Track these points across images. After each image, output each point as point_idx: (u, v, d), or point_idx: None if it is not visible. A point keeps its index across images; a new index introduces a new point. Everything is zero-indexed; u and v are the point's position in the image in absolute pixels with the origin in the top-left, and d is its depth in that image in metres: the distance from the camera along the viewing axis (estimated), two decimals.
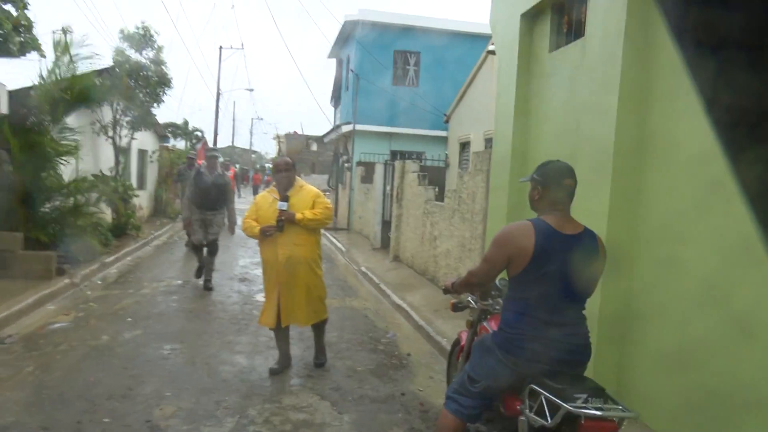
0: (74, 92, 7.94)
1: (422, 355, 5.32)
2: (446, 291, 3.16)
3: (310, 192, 4.54)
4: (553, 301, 2.51)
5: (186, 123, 38.85)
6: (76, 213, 8.14)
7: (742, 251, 2.79)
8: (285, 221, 4.36)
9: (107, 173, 10.95)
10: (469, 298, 3.41)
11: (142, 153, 14.45)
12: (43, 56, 11.39)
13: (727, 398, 2.89)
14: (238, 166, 59.02)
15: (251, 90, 43.77)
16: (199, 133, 37.27)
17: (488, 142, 11.78)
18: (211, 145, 35.09)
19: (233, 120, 62.21)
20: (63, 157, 8.16)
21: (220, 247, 8.02)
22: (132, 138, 11.48)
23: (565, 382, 2.30)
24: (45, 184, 7.74)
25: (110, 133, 11.03)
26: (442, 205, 7.61)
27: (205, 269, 7.64)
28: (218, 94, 33.20)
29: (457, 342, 3.87)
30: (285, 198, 4.41)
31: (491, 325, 3.13)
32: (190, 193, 7.64)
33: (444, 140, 16.01)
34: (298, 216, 4.34)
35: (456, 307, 3.41)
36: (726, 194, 2.86)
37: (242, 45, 39.18)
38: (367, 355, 5.19)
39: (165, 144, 18.81)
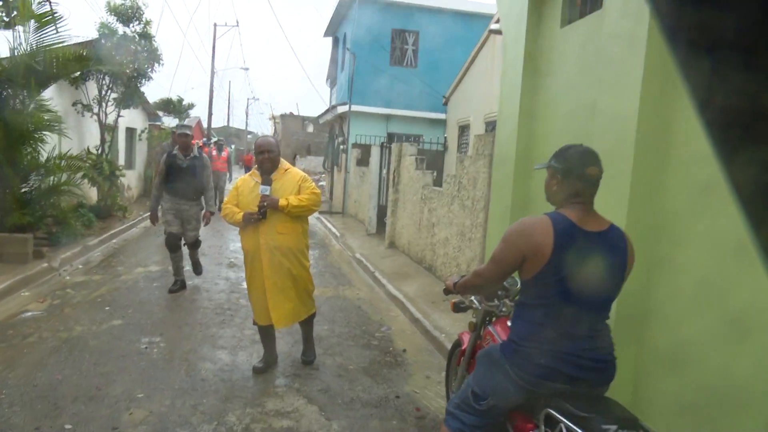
0: (49, 63, 7.45)
1: (419, 351, 4.99)
2: (447, 291, 2.81)
3: (295, 175, 4.15)
4: (573, 309, 2.17)
5: (180, 100, 38.04)
6: (56, 193, 7.73)
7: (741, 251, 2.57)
8: (267, 207, 3.98)
9: (93, 152, 10.53)
10: (473, 298, 3.06)
11: (130, 131, 13.99)
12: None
13: (722, 398, 2.68)
14: (233, 146, 58.27)
15: (246, 69, 42.86)
16: (190, 112, 36.59)
17: (489, 125, 11.39)
18: (205, 126, 34.52)
19: (229, 99, 61.24)
20: (42, 133, 7.73)
21: (207, 229, 7.64)
22: (119, 115, 11.01)
23: (588, 407, 1.96)
24: (21, 162, 7.31)
25: (95, 110, 10.56)
26: (440, 190, 7.25)
27: (190, 258, 6.85)
28: (213, 73, 32.55)
29: (457, 344, 3.54)
30: (268, 181, 4.03)
31: (497, 331, 2.79)
32: (159, 179, 6.36)
33: (442, 123, 15.59)
34: (282, 202, 3.96)
35: (457, 308, 3.07)
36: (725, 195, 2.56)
37: (237, 22, 38.22)
38: (360, 351, 4.87)
39: (156, 123, 18.33)
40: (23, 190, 7.49)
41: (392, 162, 9.62)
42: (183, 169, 6.27)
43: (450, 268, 6.67)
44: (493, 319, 2.98)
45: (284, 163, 4.22)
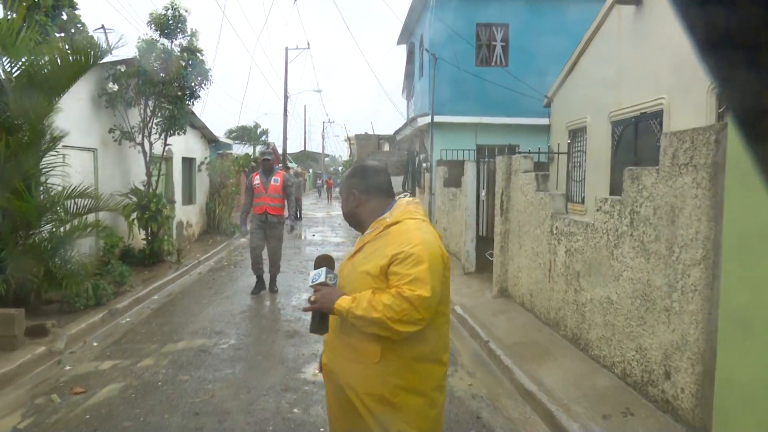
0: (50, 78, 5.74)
1: None
2: None
3: (390, 243, 1.93)
4: None
5: (256, 126, 37.46)
6: (66, 244, 6.01)
7: None
8: (318, 308, 1.96)
9: (139, 187, 8.98)
10: None
11: (188, 161, 12.53)
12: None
13: None
14: (311, 171, 57.76)
15: (319, 91, 42.09)
16: (264, 138, 35.99)
17: (618, 125, 8.74)
18: (280, 151, 33.71)
19: (304, 124, 61.16)
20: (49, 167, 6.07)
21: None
22: (165, 144, 9.43)
23: None
24: (20, 204, 5.60)
25: (138, 139, 9.01)
26: (589, 223, 4.78)
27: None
28: (286, 97, 31.79)
29: None
30: (327, 262, 2.08)
31: None
32: None
33: (544, 129, 12.98)
34: (342, 303, 1.88)
35: None
36: None
37: (308, 44, 37.51)
38: None
39: (227, 151, 17.08)
40: (27, 241, 5.83)
41: (499, 181, 7.23)
42: None
43: (622, 349, 4.16)
44: None
45: (396, 209, 2.06)
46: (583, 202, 10.03)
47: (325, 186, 43.10)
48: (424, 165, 14.45)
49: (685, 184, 3.39)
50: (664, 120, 7.32)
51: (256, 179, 7.51)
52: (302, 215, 20.07)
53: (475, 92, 13.79)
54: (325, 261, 2.07)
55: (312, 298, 1.97)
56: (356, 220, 2.13)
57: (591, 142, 9.79)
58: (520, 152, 11.17)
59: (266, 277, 7.91)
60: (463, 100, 13.87)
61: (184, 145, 11.80)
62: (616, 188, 8.72)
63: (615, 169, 8.93)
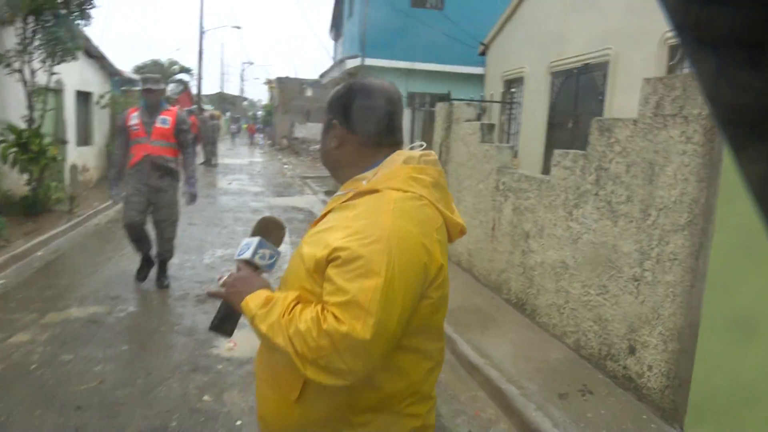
0: None
1: None
2: None
3: (350, 222, 1.15)
4: None
5: (172, 63, 34.47)
6: None
7: None
8: (223, 296, 1.30)
9: (19, 123, 7.58)
10: None
11: (84, 96, 10.93)
12: None
13: None
14: (228, 114, 54.61)
15: (238, 27, 39.24)
16: (185, 76, 33.26)
17: (558, 76, 8.37)
18: (195, 92, 31.24)
19: (221, 63, 57.43)
20: None
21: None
22: (52, 72, 7.98)
23: None
24: None
25: (16, 65, 7.54)
26: (545, 180, 4.31)
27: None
28: (201, 33, 29.33)
29: None
30: (269, 238, 1.39)
31: None
32: None
33: (477, 79, 12.52)
34: (249, 304, 1.18)
35: None
36: None
37: None
38: None
39: (132, 87, 15.25)
40: None
41: (437, 131, 6.65)
42: None
43: (576, 319, 3.79)
44: None
45: (386, 167, 1.25)
46: (516, 155, 9.75)
47: (245, 132, 40.93)
48: None
49: (670, 139, 2.94)
50: (609, 71, 6.99)
51: (133, 117, 4.98)
52: (218, 162, 18.72)
53: (408, 35, 12.98)
54: (265, 227, 1.38)
55: (221, 281, 1.30)
56: (334, 168, 1.36)
57: (528, 94, 9.42)
58: (453, 101, 10.66)
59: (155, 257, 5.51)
60: (395, 44, 13.04)
61: (78, 76, 10.22)
62: (552, 141, 8.44)
63: (553, 121, 8.63)
